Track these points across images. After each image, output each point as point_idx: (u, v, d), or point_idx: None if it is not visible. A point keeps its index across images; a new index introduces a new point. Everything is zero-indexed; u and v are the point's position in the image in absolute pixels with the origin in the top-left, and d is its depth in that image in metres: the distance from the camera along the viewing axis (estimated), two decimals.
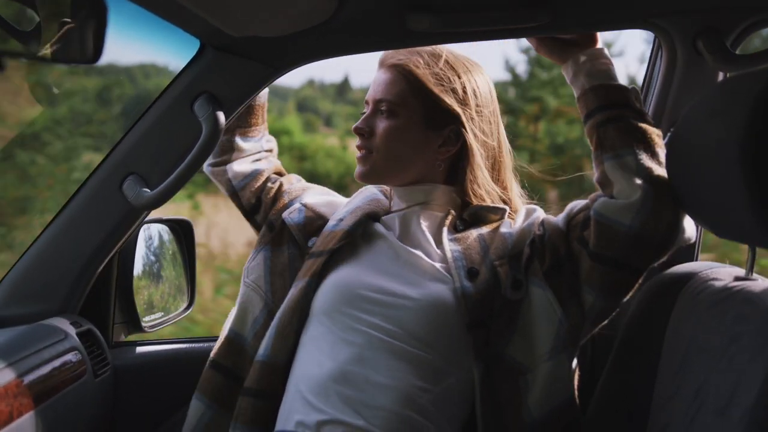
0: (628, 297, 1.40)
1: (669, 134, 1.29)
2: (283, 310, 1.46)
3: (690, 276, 1.37)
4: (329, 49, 1.54)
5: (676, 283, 1.39)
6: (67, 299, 1.64)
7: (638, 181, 1.31)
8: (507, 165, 1.56)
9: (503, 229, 1.46)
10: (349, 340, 1.36)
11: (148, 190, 1.56)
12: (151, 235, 1.91)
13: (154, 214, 1.72)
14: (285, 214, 1.59)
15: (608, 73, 1.41)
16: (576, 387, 1.41)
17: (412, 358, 1.33)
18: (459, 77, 1.51)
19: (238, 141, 1.66)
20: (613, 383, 1.45)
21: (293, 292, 1.47)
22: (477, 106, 1.51)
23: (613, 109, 1.37)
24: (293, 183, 1.69)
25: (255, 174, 1.67)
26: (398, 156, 1.51)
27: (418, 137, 1.50)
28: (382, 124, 1.50)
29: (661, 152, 1.35)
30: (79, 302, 1.66)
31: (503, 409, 1.33)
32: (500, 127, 1.57)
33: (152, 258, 1.92)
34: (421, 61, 1.51)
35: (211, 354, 1.54)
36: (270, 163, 1.72)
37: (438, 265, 1.41)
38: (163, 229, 1.96)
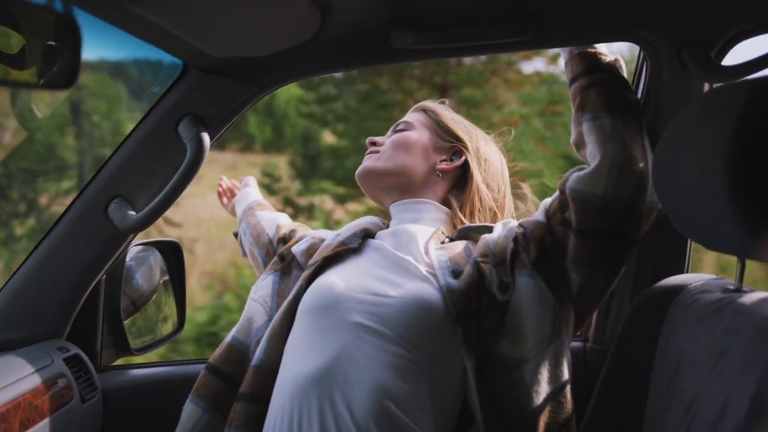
0: (616, 277, 1.42)
1: (656, 147, 1.29)
2: (277, 316, 1.48)
3: (680, 288, 1.37)
4: (313, 67, 1.54)
5: (666, 296, 1.38)
6: (53, 324, 1.62)
7: (609, 144, 1.40)
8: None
9: (486, 237, 1.50)
10: (332, 339, 1.34)
11: (134, 213, 1.55)
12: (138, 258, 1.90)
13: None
14: (294, 247, 1.67)
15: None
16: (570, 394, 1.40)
17: (396, 357, 1.31)
18: (471, 131, 1.72)
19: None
20: (607, 396, 1.44)
21: (285, 301, 1.49)
22: (485, 157, 1.68)
23: (596, 73, 1.47)
24: (308, 228, 1.85)
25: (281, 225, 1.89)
26: (401, 156, 1.63)
27: (423, 146, 1.66)
28: (393, 136, 1.68)
29: (637, 120, 1.44)
30: (66, 327, 1.65)
31: (500, 401, 1.32)
32: (507, 187, 1.71)
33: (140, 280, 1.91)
34: (443, 107, 1.75)
35: (211, 360, 1.53)
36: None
37: (424, 269, 1.42)
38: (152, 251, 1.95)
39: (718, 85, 1.46)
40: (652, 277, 1.55)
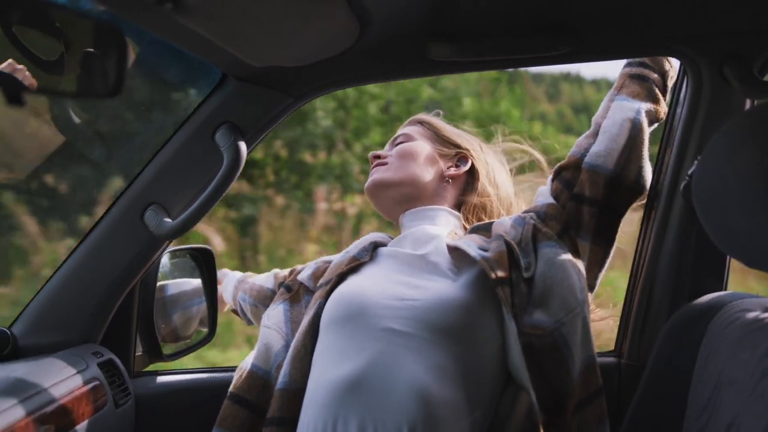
0: (612, 250, 1.53)
1: (696, 162, 1.27)
2: (297, 336, 1.45)
3: (719, 306, 1.35)
4: (350, 77, 1.55)
5: (705, 314, 1.36)
6: (88, 329, 1.64)
7: (627, 125, 1.52)
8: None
9: (498, 222, 1.53)
10: (364, 346, 1.31)
11: (170, 220, 1.56)
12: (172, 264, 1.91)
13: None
14: (299, 275, 1.67)
15: None
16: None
17: (432, 359, 1.29)
18: (469, 138, 1.76)
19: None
20: (642, 414, 1.42)
21: (305, 319, 1.47)
22: (488, 160, 1.73)
23: (646, 68, 1.59)
24: None
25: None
26: (410, 165, 1.64)
27: (429, 154, 1.67)
28: (398, 147, 1.68)
29: (655, 119, 1.57)
30: (100, 332, 1.66)
31: (545, 365, 1.30)
32: (511, 187, 1.76)
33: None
34: (437, 119, 1.79)
35: (232, 389, 1.50)
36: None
37: (445, 265, 1.42)
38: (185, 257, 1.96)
39: (761, 101, 1.44)
40: (690, 294, 1.53)
